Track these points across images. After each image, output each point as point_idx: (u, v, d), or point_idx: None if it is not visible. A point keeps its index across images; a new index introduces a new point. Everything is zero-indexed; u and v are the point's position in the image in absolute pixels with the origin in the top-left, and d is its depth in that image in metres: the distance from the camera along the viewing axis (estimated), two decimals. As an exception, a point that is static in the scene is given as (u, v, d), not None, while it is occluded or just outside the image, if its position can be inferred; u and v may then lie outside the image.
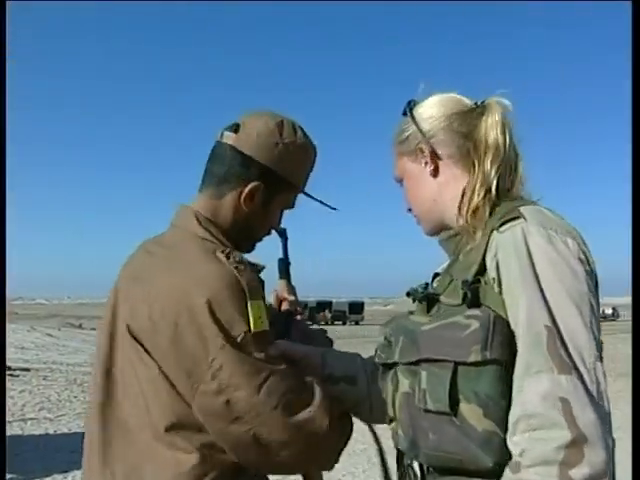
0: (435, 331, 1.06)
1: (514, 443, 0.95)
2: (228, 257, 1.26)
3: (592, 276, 1.04)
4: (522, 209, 1.09)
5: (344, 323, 49.06)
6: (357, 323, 49.26)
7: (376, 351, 1.25)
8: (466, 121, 1.22)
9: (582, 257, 1.03)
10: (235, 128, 1.37)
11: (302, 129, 1.42)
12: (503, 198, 1.15)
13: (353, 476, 5.58)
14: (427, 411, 1.04)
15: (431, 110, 1.25)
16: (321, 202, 1.46)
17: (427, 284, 1.27)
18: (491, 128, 1.18)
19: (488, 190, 1.15)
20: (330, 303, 53.38)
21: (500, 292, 1.03)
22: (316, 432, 1.21)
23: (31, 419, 8.08)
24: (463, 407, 0.99)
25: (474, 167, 1.18)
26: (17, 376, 11.41)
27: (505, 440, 0.97)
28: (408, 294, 1.29)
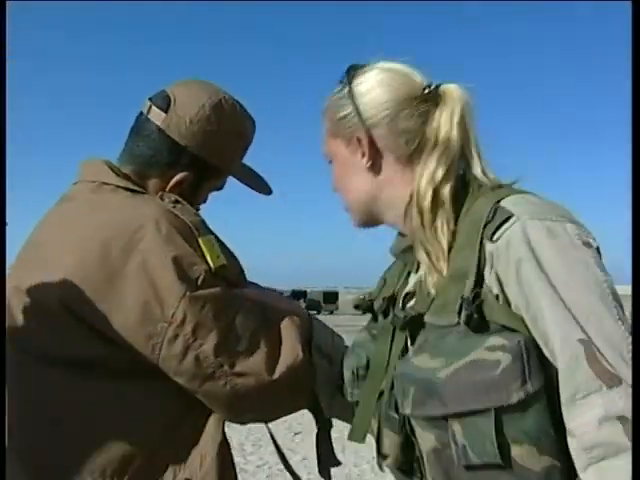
0: (459, 377, 0.89)
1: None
2: (162, 199, 1.15)
3: (599, 254, 0.93)
4: (505, 204, 0.94)
5: (318, 312, 49.01)
6: (331, 313, 49.32)
7: (345, 388, 1.13)
8: (416, 111, 1.04)
9: (585, 239, 0.92)
10: (165, 105, 1.21)
11: (240, 105, 1.29)
12: (470, 192, 1.01)
13: (327, 464, 5.63)
14: (470, 467, 0.90)
15: (375, 92, 1.05)
16: (251, 187, 1.36)
17: (371, 294, 1.18)
18: (445, 123, 1.02)
19: (440, 197, 1.00)
20: (305, 292, 53.37)
21: (508, 306, 0.91)
22: (295, 373, 1.12)
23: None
24: (515, 451, 0.87)
25: (421, 166, 1.02)
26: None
27: (566, 469, 0.86)
28: (357, 307, 1.20)
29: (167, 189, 1.23)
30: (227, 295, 1.10)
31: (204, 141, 1.22)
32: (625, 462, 0.81)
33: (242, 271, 1.25)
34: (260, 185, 1.39)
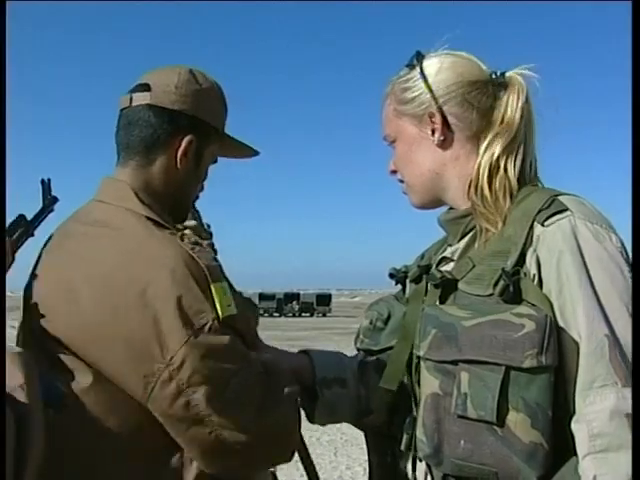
0: (481, 329, 0.94)
1: (584, 468, 0.88)
2: (182, 239, 1.13)
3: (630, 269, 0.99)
4: (562, 199, 1.00)
5: (312, 315, 49.08)
6: (324, 315, 49.29)
7: (358, 335, 1.19)
8: (484, 94, 1.10)
9: (624, 253, 0.98)
10: (145, 87, 1.23)
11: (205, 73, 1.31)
12: (522, 184, 1.07)
13: (319, 467, 5.59)
14: (462, 417, 0.94)
15: (446, 73, 1.12)
16: (242, 143, 1.35)
17: (406, 267, 1.23)
18: (510, 108, 1.08)
19: (503, 174, 1.06)
20: (298, 295, 53.37)
21: (540, 288, 0.96)
22: (283, 433, 1.13)
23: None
24: (510, 416, 0.90)
25: (487, 147, 1.08)
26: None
27: (550, 454, 0.90)
28: (391, 275, 1.24)
29: (177, 160, 1.22)
30: (230, 347, 1.07)
31: (196, 101, 1.24)
32: (625, 459, 0.85)
33: (256, 322, 1.25)
34: (248, 149, 1.40)
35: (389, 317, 1.18)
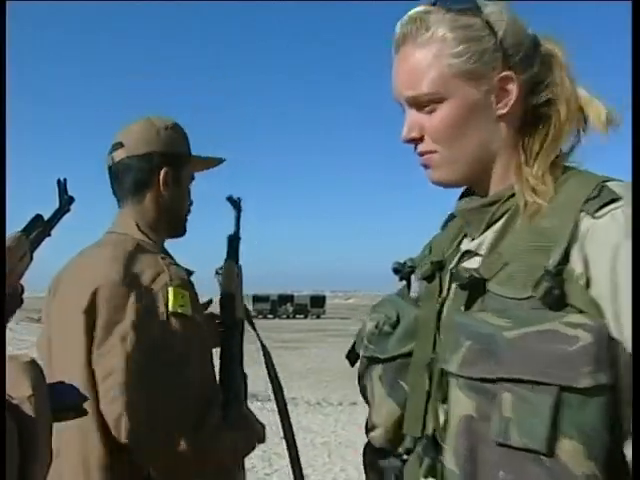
0: (527, 341, 0.78)
1: None
2: (163, 259, 1.46)
3: None
4: (613, 186, 0.84)
5: (306, 317, 49.10)
6: (319, 317, 49.33)
7: (360, 340, 1.03)
8: (537, 56, 0.94)
9: None
10: (120, 145, 1.54)
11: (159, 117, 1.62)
12: (560, 166, 0.92)
13: (313, 469, 5.61)
14: (503, 445, 0.79)
15: (515, 27, 0.92)
16: (207, 157, 1.65)
17: (412, 260, 1.08)
18: (563, 74, 0.93)
19: (556, 149, 0.91)
20: (292, 297, 53.39)
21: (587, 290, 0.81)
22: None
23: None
24: (561, 445, 0.75)
25: (548, 119, 0.92)
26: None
27: None
28: (396, 271, 1.09)
29: (161, 190, 1.54)
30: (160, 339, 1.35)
31: (160, 140, 1.54)
32: None
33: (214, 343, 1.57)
34: (214, 160, 1.69)
35: (398, 320, 1.00)
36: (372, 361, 1.01)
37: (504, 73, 0.90)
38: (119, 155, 1.53)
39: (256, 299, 48.54)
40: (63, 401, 0.81)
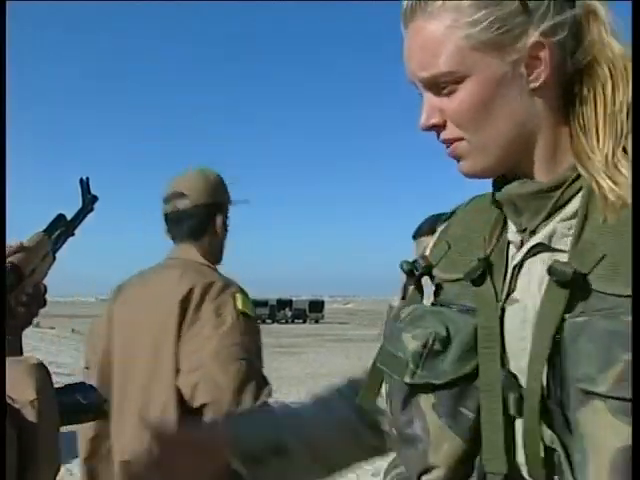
0: None
1: None
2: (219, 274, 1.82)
3: None
4: None
5: (304, 321, 48.95)
6: (317, 321, 49.15)
7: (405, 364, 0.80)
8: (573, 12, 0.78)
9: None
10: (180, 195, 1.83)
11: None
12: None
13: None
14: None
15: None
16: (241, 201, 1.98)
17: (416, 261, 0.92)
18: (602, 30, 0.79)
19: (614, 119, 0.76)
20: (290, 301, 53.28)
21: None
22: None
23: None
24: None
25: (600, 95, 0.78)
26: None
27: None
28: (410, 272, 0.92)
29: (218, 233, 1.87)
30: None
31: (215, 192, 1.86)
32: None
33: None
34: (242, 201, 2.03)
35: (449, 336, 0.79)
36: (421, 389, 0.80)
37: (533, 39, 0.76)
38: (180, 204, 1.83)
39: (255, 304, 48.00)
40: (82, 402, 0.81)
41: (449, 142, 0.82)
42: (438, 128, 0.82)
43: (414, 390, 0.80)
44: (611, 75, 0.77)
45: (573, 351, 0.69)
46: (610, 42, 0.78)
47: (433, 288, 0.90)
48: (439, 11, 0.78)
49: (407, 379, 0.80)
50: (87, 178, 1.28)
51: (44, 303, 1.06)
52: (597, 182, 0.75)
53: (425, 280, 0.92)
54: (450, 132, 0.82)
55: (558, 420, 0.71)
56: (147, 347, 1.67)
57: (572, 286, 0.72)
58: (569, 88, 0.80)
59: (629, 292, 0.68)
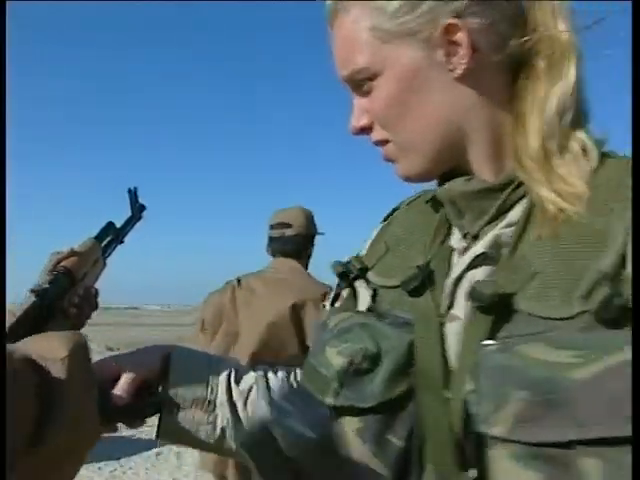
0: (609, 384, 0.54)
1: None
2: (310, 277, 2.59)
3: None
4: None
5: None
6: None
7: (326, 383, 0.70)
8: (513, 3, 0.69)
9: None
10: (287, 225, 2.56)
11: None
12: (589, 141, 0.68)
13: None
14: None
15: None
16: (319, 233, 2.69)
17: (358, 258, 0.83)
18: (552, 22, 0.69)
19: (560, 116, 0.67)
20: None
21: None
22: None
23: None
24: None
25: (530, 79, 0.69)
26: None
27: None
28: (344, 275, 0.82)
29: (309, 257, 2.63)
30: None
31: (312, 226, 2.64)
32: None
33: None
34: None
35: (379, 353, 0.68)
36: (345, 412, 0.69)
37: (445, 20, 0.67)
38: (288, 232, 2.56)
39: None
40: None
41: (379, 144, 0.75)
42: (368, 131, 0.75)
43: (337, 412, 0.70)
44: (549, 65, 0.68)
45: (477, 387, 0.60)
46: (557, 28, 0.68)
47: (370, 292, 0.79)
48: (349, 6, 0.71)
49: (329, 400, 0.70)
50: (135, 188, 1.32)
51: (96, 306, 1.10)
52: (536, 190, 0.66)
53: (360, 283, 0.81)
54: (377, 134, 0.74)
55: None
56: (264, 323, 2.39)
57: (495, 309, 0.62)
58: (509, 79, 0.71)
59: (562, 314, 0.59)
